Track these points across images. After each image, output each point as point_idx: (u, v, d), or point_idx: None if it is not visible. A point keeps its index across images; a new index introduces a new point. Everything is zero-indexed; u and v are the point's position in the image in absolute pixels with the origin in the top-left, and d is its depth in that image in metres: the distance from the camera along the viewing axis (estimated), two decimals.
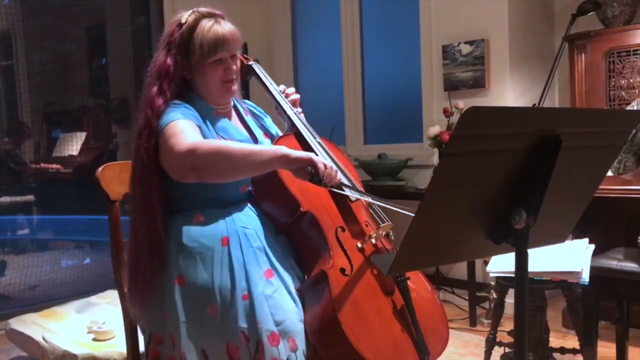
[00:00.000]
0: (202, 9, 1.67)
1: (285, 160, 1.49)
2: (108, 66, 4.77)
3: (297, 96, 1.88)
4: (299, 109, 1.86)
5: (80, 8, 4.52)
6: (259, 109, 1.93)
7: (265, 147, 1.56)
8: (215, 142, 1.57)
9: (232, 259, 1.56)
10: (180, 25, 1.65)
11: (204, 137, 1.61)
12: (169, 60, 1.63)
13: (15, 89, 4.22)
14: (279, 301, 1.52)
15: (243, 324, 1.50)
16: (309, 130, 1.78)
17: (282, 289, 1.55)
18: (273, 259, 1.59)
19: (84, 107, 4.69)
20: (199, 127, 1.61)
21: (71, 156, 4.45)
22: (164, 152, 1.55)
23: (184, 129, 1.54)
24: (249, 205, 1.68)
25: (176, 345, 1.56)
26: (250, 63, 1.85)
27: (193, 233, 1.60)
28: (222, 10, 1.70)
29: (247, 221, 1.63)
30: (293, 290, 1.57)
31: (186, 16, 1.66)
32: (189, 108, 1.63)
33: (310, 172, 1.48)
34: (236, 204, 1.66)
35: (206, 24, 1.64)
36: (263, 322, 1.49)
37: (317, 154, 1.71)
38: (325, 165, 1.50)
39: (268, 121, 1.91)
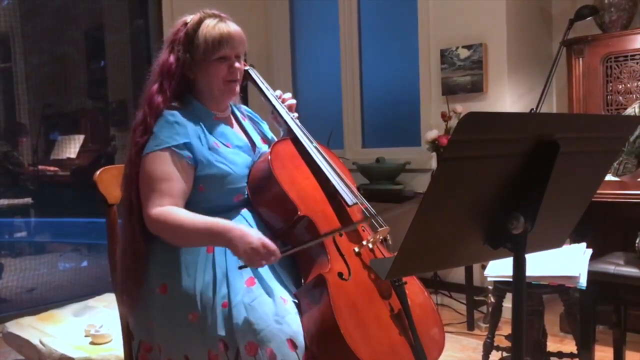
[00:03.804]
0: (208, 10, 1.69)
1: (228, 246, 1.50)
2: (106, 68, 4.77)
3: (294, 101, 1.88)
4: (296, 114, 1.86)
5: (78, 10, 4.51)
6: (256, 115, 1.93)
7: (221, 231, 1.50)
8: (178, 218, 1.53)
9: (215, 266, 1.55)
10: (185, 24, 1.67)
11: (199, 148, 1.59)
12: (172, 58, 1.64)
13: (13, 91, 4.21)
14: (258, 310, 1.48)
15: (222, 332, 1.48)
16: (306, 135, 1.78)
17: (263, 297, 1.51)
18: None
19: (82, 110, 4.69)
20: (190, 144, 1.58)
21: (69, 159, 4.44)
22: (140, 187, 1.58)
23: (161, 177, 1.55)
24: (243, 211, 1.66)
25: (162, 352, 1.55)
26: (246, 68, 1.85)
27: None
28: None
29: None
30: (284, 297, 1.53)
31: (191, 16, 1.68)
32: (181, 125, 1.60)
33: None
34: (228, 212, 1.64)
35: (211, 21, 1.65)
36: (241, 330, 1.46)
37: (314, 158, 1.73)
38: (246, 251, 1.46)
39: (265, 127, 1.91)
